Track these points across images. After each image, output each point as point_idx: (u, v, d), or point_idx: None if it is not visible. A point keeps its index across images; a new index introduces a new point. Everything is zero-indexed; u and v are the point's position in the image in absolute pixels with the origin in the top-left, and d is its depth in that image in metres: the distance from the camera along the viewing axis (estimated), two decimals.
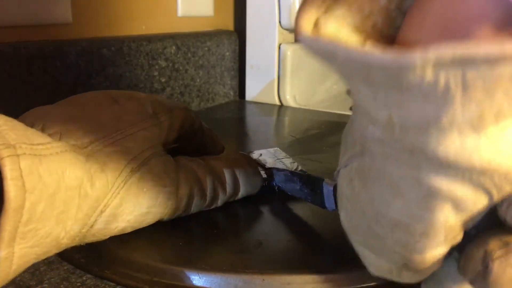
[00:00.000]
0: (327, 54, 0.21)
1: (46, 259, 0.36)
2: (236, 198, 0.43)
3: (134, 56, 0.70)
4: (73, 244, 0.33)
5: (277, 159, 0.51)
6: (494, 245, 0.23)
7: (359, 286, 0.33)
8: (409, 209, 0.23)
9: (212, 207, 0.41)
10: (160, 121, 0.40)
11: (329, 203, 0.37)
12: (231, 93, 0.94)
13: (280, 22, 0.89)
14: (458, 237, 0.24)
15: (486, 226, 0.24)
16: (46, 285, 0.33)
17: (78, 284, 0.34)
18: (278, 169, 0.45)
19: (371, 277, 0.32)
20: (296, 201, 0.44)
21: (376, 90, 0.21)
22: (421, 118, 0.20)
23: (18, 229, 0.27)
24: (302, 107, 0.89)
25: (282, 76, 0.90)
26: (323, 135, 0.67)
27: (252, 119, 0.85)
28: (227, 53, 0.91)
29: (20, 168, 0.27)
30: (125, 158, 0.34)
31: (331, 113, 0.83)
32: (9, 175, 0.26)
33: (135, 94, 0.41)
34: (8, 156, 0.27)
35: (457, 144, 0.20)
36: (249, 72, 0.93)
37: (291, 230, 0.39)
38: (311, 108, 0.88)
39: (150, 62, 0.73)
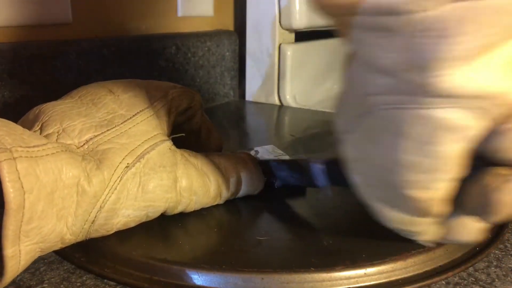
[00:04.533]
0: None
1: (46, 259, 0.36)
2: (236, 197, 0.43)
3: (134, 56, 0.70)
4: (79, 240, 0.34)
5: (274, 156, 0.51)
6: (494, 178, 0.26)
7: (357, 285, 0.33)
8: (418, 147, 0.26)
9: (213, 204, 0.42)
10: (156, 110, 0.40)
11: (319, 180, 0.39)
12: (231, 93, 0.94)
13: (280, 22, 0.89)
14: (461, 171, 0.27)
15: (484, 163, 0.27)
16: (46, 285, 0.33)
17: (78, 284, 0.34)
18: (266, 160, 0.46)
19: (371, 276, 0.33)
20: (295, 199, 0.44)
21: (390, 37, 0.24)
22: (422, 56, 0.24)
23: (21, 228, 0.29)
24: (302, 107, 0.89)
25: (282, 76, 0.90)
26: (323, 134, 0.67)
27: (252, 119, 0.85)
28: (227, 53, 0.91)
29: (17, 170, 0.29)
30: (120, 155, 0.35)
31: (331, 113, 0.82)
32: (7, 178, 0.28)
33: (131, 84, 0.42)
34: (5, 160, 0.28)
35: (453, 75, 0.23)
36: (249, 72, 0.93)
37: (290, 229, 0.39)
38: (311, 108, 0.88)
39: (150, 62, 0.74)
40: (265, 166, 0.45)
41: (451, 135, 0.25)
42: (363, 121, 0.29)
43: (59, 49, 0.60)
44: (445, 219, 0.31)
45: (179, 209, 0.39)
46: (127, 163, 0.35)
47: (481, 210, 0.27)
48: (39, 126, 0.35)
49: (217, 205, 0.42)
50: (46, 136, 0.34)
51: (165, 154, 0.38)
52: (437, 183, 0.27)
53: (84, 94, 0.40)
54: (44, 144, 0.31)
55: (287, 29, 0.90)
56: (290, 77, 0.89)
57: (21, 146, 0.30)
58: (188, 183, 0.39)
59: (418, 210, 0.29)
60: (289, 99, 0.90)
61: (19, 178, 0.29)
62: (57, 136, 0.35)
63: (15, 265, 0.29)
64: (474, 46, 0.23)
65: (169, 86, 0.43)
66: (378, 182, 0.30)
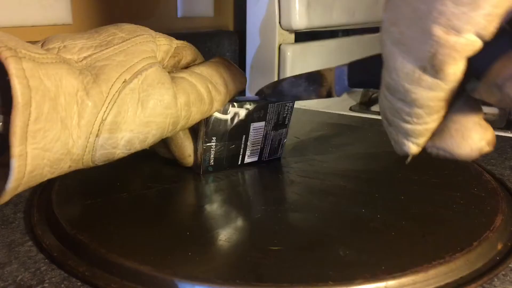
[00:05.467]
0: None
1: (46, 259, 0.36)
2: (230, 98, 0.46)
3: None
4: (87, 157, 0.35)
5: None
6: None
7: None
8: None
9: (212, 111, 0.44)
10: (156, 42, 0.41)
11: (339, 85, 0.41)
12: None
13: (280, 22, 0.88)
14: (495, 25, 0.24)
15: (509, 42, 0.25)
16: (46, 284, 0.33)
17: (79, 284, 0.33)
18: (282, 79, 0.48)
19: None
20: (305, 206, 0.43)
21: None
22: None
23: (28, 127, 0.29)
24: (302, 107, 0.88)
25: (282, 76, 0.89)
26: (327, 136, 0.66)
27: None
28: (227, 54, 0.90)
29: (23, 68, 0.29)
30: (117, 71, 0.36)
31: (331, 113, 0.82)
32: (14, 73, 0.29)
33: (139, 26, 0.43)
34: (11, 56, 0.29)
35: None
36: (249, 72, 0.92)
37: (303, 238, 0.38)
38: (311, 108, 0.87)
39: None
40: (279, 85, 0.47)
41: None
42: None
43: None
44: (450, 108, 0.28)
45: (182, 123, 0.41)
46: (125, 79, 0.36)
47: None
48: (41, 43, 0.36)
49: (224, 211, 0.42)
50: (47, 50, 0.35)
51: (163, 72, 0.39)
52: (468, 27, 0.25)
53: (90, 30, 0.41)
54: (44, 53, 0.32)
55: (287, 29, 0.89)
56: None
57: (24, 49, 0.30)
58: (186, 98, 0.40)
59: (434, 59, 0.26)
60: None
61: (26, 76, 0.29)
62: (58, 50, 0.35)
63: (22, 166, 0.30)
64: None
65: (176, 40, 0.45)
66: (408, 15, 0.26)
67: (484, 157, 0.58)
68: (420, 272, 0.32)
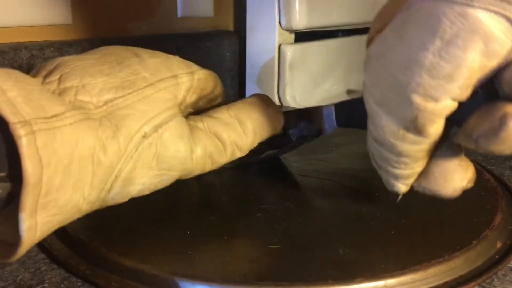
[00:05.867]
0: None
1: (46, 259, 0.36)
2: (262, 141, 0.43)
3: None
4: (95, 208, 0.34)
5: None
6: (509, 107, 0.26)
7: None
8: (445, 48, 0.26)
9: (233, 159, 0.42)
10: (179, 82, 0.39)
11: (328, 123, 0.42)
12: (231, 93, 0.93)
13: (280, 22, 0.88)
14: (468, 91, 0.27)
15: (488, 96, 0.28)
16: (46, 284, 0.33)
17: (79, 283, 0.33)
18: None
19: None
20: (305, 204, 0.43)
21: None
22: None
23: (39, 201, 0.29)
24: (302, 107, 0.88)
25: (282, 76, 0.89)
26: (329, 136, 0.66)
27: None
28: (227, 54, 0.90)
29: (36, 145, 0.28)
30: (138, 122, 0.35)
31: None
32: (26, 153, 0.28)
33: (159, 53, 0.41)
34: (25, 135, 0.28)
35: None
36: (249, 72, 0.92)
37: (303, 236, 0.38)
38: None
39: None
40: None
41: (483, 45, 0.25)
42: (400, 16, 0.29)
43: (59, 49, 0.59)
44: (433, 152, 0.31)
45: (195, 174, 0.40)
46: (144, 132, 0.35)
47: (490, 135, 0.27)
48: (58, 76, 0.34)
49: (225, 210, 0.42)
50: (64, 89, 0.33)
51: (183, 124, 0.38)
52: (444, 96, 0.27)
53: (108, 54, 0.38)
54: (62, 113, 0.31)
55: (287, 29, 0.89)
56: (290, 77, 0.88)
57: (39, 118, 0.29)
58: (202, 151, 0.39)
59: (416, 122, 0.29)
60: (289, 99, 0.89)
61: (38, 152, 0.28)
62: (76, 91, 0.33)
63: (31, 237, 0.30)
64: None
65: (197, 66, 0.42)
66: (389, 81, 0.29)
67: (484, 157, 0.58)
68: (419, 271, 0.33)
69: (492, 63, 0.26)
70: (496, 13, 0.25)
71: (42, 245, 0.37)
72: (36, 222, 0.29)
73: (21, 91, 0.30)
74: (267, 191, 0.48)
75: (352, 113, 0.35)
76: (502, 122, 0.26)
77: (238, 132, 0.41)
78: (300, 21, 0.87)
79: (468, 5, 0.25)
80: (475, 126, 0.28)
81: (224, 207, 0.44)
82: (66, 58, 0.36)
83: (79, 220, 0.39)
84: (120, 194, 0.35)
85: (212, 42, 0.86)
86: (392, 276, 0.32)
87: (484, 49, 0.26)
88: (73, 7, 0.63)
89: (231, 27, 0.96)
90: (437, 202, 0.43)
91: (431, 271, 0.33)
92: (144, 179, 0.35)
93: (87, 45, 0.63)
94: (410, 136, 0.30)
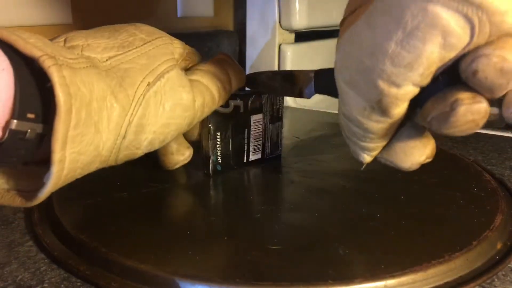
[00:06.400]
0: None
1: (46, 259, 0.36)
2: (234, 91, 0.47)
3: None
4: (112, 158, 0.36)
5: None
6: (464, 94, 0.28)
7: None
8: (407, 40, 0.28)
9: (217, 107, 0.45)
10: (173, 43, 0.42)
11: (308, 89, 0.43)
12: None
13: (280, 22, 0.88)
14: (429, 78, 0.29)
15: (447, 83, 0.29)
16: (46, 285, 0.33)
17: (79, 284, 0.33)
18: (261, 72, 0.48)
19: None
20: (304, 205, 0.43)
21: None
22: None
23: (69, 133, 0.30)
24: (302, 107, 0.88)
25: None
26: (327, 136, 0.66)
27: None
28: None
29: (64, 75, 0.30)
30: (141, 74, 0.37)
31: (331, 113, 0.82)
32: (57, 82, 0.29)
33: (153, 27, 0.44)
34: (53, 64, 0.29)
35: None
36: (249, 72, 0.92)
37: (302, 237, 0.38)
38: (310, 108, 0.87)
39: None
40: (258, 77, 0.48)
41: (441, 38, 0.27)
42: (370, 2, 0.30)
43: None
44: (397, 129, 0.33)
45: (195, 122, 0.42)
46: (148, 82, 0.37)
47: (441, 119, 0.29)
48: (63, 39, 0.36)
49: (225, 210, 0.42)
50: (71, 47, 0.35)
51: (183, 75, 0.40)
52: (406, 83, 0.29)
53: (106, 26, 0.41)
54: (76, 58, 0.33)
55: (287, 29, 0.89)
56: None
57: (61, 56, 0.31)
58: (201, 100, 0.41)
59: (381, 103, 0.30)
60: (289, 99, 0.89)
61: (66, 83, 0.30)
62: (82, 48, 0.35)
63: (60, 171, 0.31)
64: None
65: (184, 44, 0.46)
66: (356, 64, 0.31)
67: (484, 157, 0.58)
68: (419, 271, 0.33)
69: (451, 55, 0.28)
70: (455, 10, 0.26)
71: (42, 245, 0.37)
72: (65, 155, 0.30)
73: (38, 40, 0.31)
74: (266, 192, 0.48)
75: (330, 82, 0.36)
76: (453, 107, 0.28)
77: (221, 83, 0.44)
78: (300, 21, 0.87)
79: (430, 1, 0.26)
80: (430, 109, 0.30)
81: (224, 207, 0.44)
82: (69, 32, 0.38)
83: (79, 220, 0.39)
84: (133, 141, 0.36)
85: (212, 42, 0.85)
86: (392, 276, 0.32)
87: (442, 42, 0.27)
88: (73, 7, 0.63)
89: (231, 27, 0.96)
90: (437, 203, 0.43)
91: (431, 271, 0.33)
92: (155, 127, 0.37)
93: None
94: (375, 116, 0.32)
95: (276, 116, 0.53)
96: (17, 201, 0.33)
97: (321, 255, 0.35)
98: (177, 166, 0.48)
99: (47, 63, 0.29)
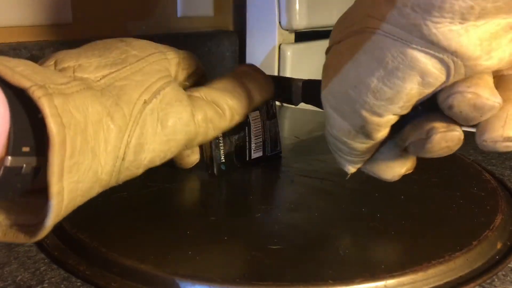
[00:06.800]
0: None
1: (46, 259, 0.36)
2: (256, 106, 0.46)
3: None
4: (112, 183, 0.35)
5: None
6: (439, 124, 0.31)
7: None
8: (388, 77, 0.30)
9: (232, 124, 0.43)
10: (167, 57, 0.41)
11: (295, 98, 0.46)
12: None
13: (280, 22, 0.88)
14: (409, 109, 0.31)
15: (426, 110, 0.32)
16: (46, 285, 0.33)
17: (78, 284, 0.33)
18: None
19: None
20: (304, 204, 0.43)
21: None
22: (429, 2, 0.27)
23: (64, 164, 0.29)
24: (302, 107, 0.88)
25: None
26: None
27: None
28: (227, 54, 0.90)
29: (55, 105, 0.29)
30: (136, 91, 0.36)
31: None
32: (49, 113, 0.28)
33: (142, 39, 0.43)
34: (44, 95, 0.28)
35: (446, 28, 0.27)
36: None
37: (302, 237, 0.38)
38: (310, 108, 0.87)
39: None
40: None
41: (420, 78, 0.29)
42: (355, 36, 0.32)
43: (59, 49, 0.59)
44: (378, 148, 0.36)
45: (199, 139, 0.41)
46: (145, 99, 0.36)
47: (418, 144, 0.32)
48: (53, 61, 0.35)
49: (225, 210, 0.42)
50: (61, 70, 0.35)
51: (180, 90, 0.39)
52: (387, 113, 0.32)
53: (95, 43, 0.40)
54: (68, 82, 0.32)
55: (287, 29, 0.89)
56: None
57: (52, 83, 0.30)
58: (202, 115, 0.40)
59: (364, 129, 0.33)
60: None
61: (58, 113, 0.29)
62: (73, 70, 0.35)
63: (60, 203, 0.30)
64: (478, 8, 0.27)
65: (179, 49, 0.44)
66: (341, 94, 0.33)
67: (484, 157, 0.58)
68: (419, 271, 0.33)
69: (429, 91, 0.30)
70: (432, 55, 0.28)
71: (42, 245, 0.37)
72: (63, 187, 0.30)
73: (27, 67, 0.30)
74: (267, 191, 0.48)
75: (316, 94, 0.38)
76: (428, 135, 0.31)
77: (234, 97, 0.43)
78: (300, 21, 0.87)
79: (408, 46, 0.29)
80: (408, 135, 0.33)
81: (224, 207, 0.44)
82: (57, 52, 0.38)
83: (79, 220, 0.39)
84: (133, 162, 0.35)
85: (212, 42, 0.85)
86: (392, 276, 0.32)
87: (420, 81, 0.30)
88: (73, 7, 0.63)
89: (231, 27, 0.96)
90: (437, 203, 0.43)
91: (431, 271, 0.33)
92: (154, 145, 0.36)
93: None
94: (359, 138, 0.34)
95: (271, 113, 0.53)
96: (21, 238, 0.32)
97: (321, 255, 0.35)
98: (193, 164, 0.49)
99: (37, 94, 0.28)
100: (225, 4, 0.93)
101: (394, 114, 0.32)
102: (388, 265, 0.33)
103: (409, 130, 0.33)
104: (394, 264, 0.33)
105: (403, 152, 0.36)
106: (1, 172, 0.28)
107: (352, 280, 0.31)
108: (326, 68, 0.36)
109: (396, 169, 0.37)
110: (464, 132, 0.31)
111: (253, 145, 0.52)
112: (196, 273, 0.32)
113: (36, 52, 0.57)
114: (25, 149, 0.29)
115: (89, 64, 0.36)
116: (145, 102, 0.36)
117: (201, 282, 0.32)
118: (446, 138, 0.31)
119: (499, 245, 0.37)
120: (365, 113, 0.32)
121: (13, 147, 0.28)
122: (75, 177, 0.31)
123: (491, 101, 0.29)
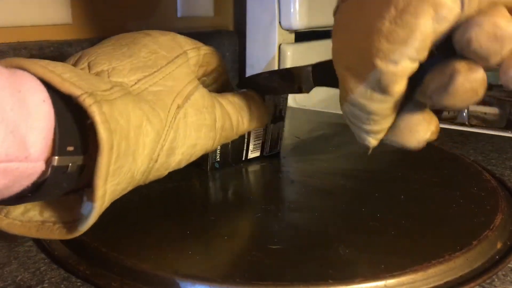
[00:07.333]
0: None
1: (46, 259, 0.36)
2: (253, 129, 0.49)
3: None
4: (142, 181, 0.36)
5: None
6: (461, 65, 0.29)
7: None
8: (399, 16, 0.29)
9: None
10: (189, 56, 0.42)
11: (307, 85, 0.44)
12: None
13: (280, 22, 0.88)
14: (425, 53, 0.30)
15: (444, 56, 0.30)
16: (46, 285, 0.33)
17: (78, 284, 0.33)
18: (257, 74, 0.49)
19: None
20: (304, 204, 0.43)
21: None
22: None
23: (110, 168, 0.30)
24: (302, 107, 0.88)
25: None
26: (328, 136, 0.66)
27: None
28: (227, 54, 0.90)
29: (104, 112, 0.30)
30: (170, 96, 0.37)
31: (331, 113, 0.82)
32: (99, 120, 0.29)
33: (165, 31, 0.43)
34: (94, 103, 0.29)
35: None
36: (249, 72, 0.92)
37: (302, 236, 0.38)
38: (310, 108, 0.87)
39: None
40: (255, 80, 0.48)
41: (434, 11, 0.28)
42: None
43: (59, 49, 0.59)
44: (399, 109, 0.33)
45: (215, 145, 0.43)
46: (178, 104, 0.37)
47: (441, 91, 0.30)
48: (86, 64, 0.36)
49: (225, 210, 0.42)
50: (97, 74, 0.35)
51: (205, 96, 0.40)
52: (403, 59, 0.30)
53: (121, 38, 0.40)
54: (111, 88, 0.33)
55: (287, 29, 0.89)
56: None
57: (98, 90, 0.31)
58: (222, 123, 0.42)
59: (380, 83, 0.31)
60: (290, 99, 0.89)
61: (107, 120, 0.30)
62: (108, 74, 0.35)
63: (102, 204, 0.31)
64: None
65: (201, 43, 0.45)
66: (353, 48, 0.32)
67: (484, 157, 0.58)
68: (419, 271, 0.32)
69: (443, 27, 0.29)
70: None
71: (42, 245, 0.37)
72: (106, 190, 0.31)
73: (72, 73, 0.31)
74: (266, 191, 0.48)
75: (328, 74, 0.38)
76: (451, 78, 0.29)
77: (241, 117, 0.44)
78: (300, 21, 0.87)
79: None
80: (430, 83, 0.31)
81: (224, 207, 0.44)
82: (86, 50, 0.38)
83: None
84: (164, 164, 0.37)
85: (212, 42, 0.85)
86: (392, 276, 0.32)
87: (434, 15, 0.28)
88: (73, 7, 0.63)
89: (231, 27, 0.96)
90: (437, 203, 0.43)
91: (431, 271, 0.33)
92: (183, 149, 0.38)
93: (87, 45, 0.63)
94: (377, 96, 0.32)
95: (278, 116, 0.53)
96: (56, 234, 0.33)
97: (321, 254, 0.35)
98: None
99: (88, 102, 0.29)
100: (225, 4, 0.93)
101: (410, 60, 0.30)
102: (388, 265, 0.33)
103: (430, 78, 0.31)
104: (394, 264, 0.33)
105: (426, 114, 0.34)
106: (49, 172, 0.29)
107: (352, 280, 0.31)
108: (335, 30, 0.35)
109: (420, 133, 0.34)
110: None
111: (251, 147, 0.52)
112: (196, 273, 0.32)
113: (36, 52, 0.57)
114: (70, 148, 0.30)
115: (123, 67, 0.36)
116: (179, 107, 0.37)
117: (201, 282, 0.32)
118: (469, 79, 0.29)
119: (499, 245, 0.37)
120: (379, 63, 0.30)
121: (59, 145, 0.29)
122: (116, 180, 0.31)
123: (511, 29, 0.27)
